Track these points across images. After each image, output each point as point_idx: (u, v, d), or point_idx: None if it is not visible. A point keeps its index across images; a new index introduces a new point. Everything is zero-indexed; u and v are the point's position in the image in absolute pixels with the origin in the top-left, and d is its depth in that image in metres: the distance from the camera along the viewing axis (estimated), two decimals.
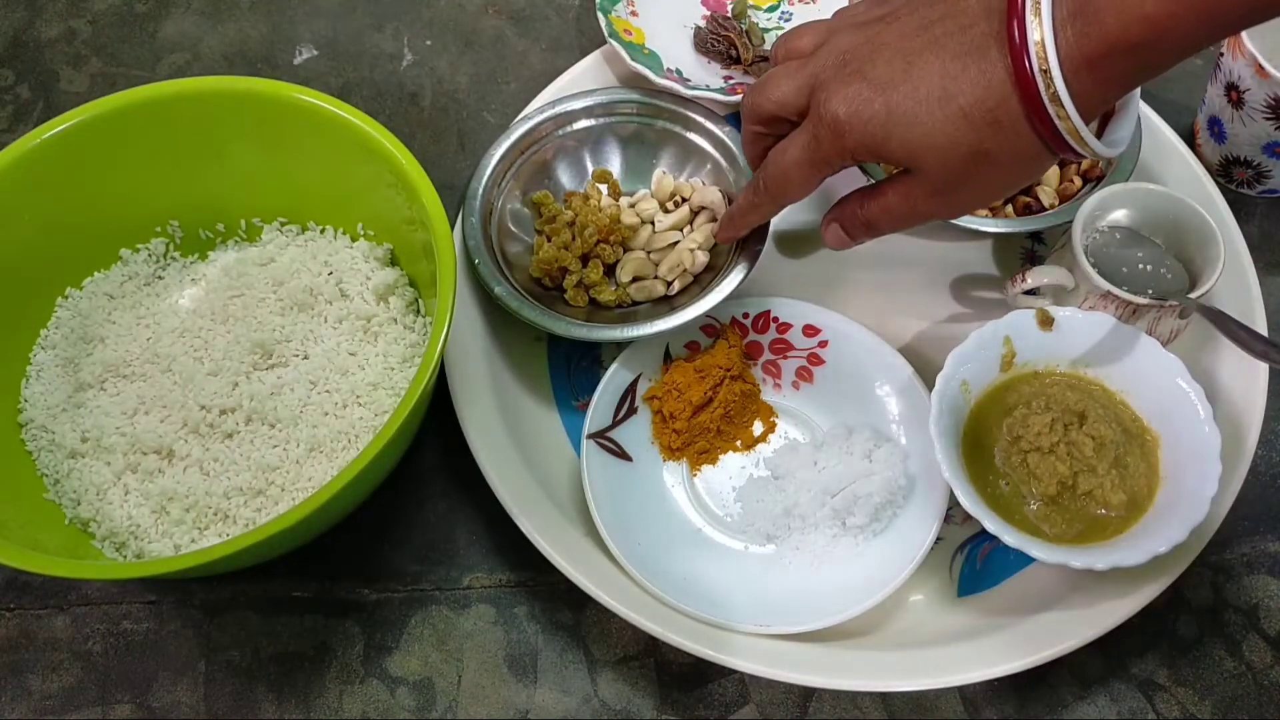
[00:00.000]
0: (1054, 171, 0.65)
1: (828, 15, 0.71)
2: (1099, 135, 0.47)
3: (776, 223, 0.63)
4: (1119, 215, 0.61)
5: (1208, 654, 0.57)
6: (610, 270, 0.64)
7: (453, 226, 0.62)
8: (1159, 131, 0.68)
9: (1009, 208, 0.65)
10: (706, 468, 0.60)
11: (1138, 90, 0.47)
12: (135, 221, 0.62)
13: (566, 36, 0.78)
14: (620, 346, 0.61)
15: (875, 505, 0.57)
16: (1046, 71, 0.41)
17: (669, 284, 0.63)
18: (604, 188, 0.67)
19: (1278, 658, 0.57)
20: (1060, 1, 0.41)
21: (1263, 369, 0.60)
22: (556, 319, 0.60)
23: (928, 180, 0.47)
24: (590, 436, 0.58)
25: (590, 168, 0.68)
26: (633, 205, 0.66)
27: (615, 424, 0.60)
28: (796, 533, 0.58)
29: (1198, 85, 0.71)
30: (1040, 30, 0.40)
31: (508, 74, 0.77)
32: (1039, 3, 0.41)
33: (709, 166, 0.66)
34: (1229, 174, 0.70)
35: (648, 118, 0.67)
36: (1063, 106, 0.41)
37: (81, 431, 0.57)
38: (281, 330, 0.60)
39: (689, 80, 0.68)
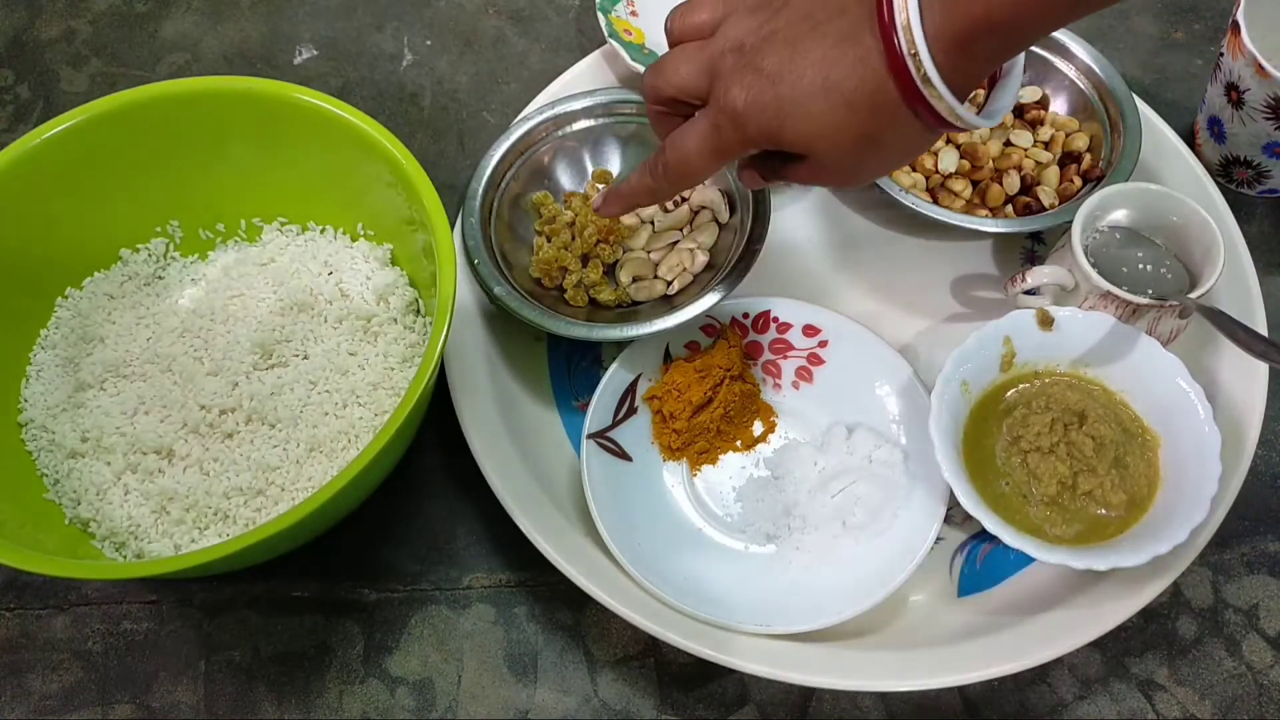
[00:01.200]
0: (1054, 171, 0.65)
1: None
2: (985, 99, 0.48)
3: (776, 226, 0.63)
4: (1119, 215, 0.61)
5: (1208, 654, 0.57)
6: (610, 270, 0.64)
7: (453, 226, 0.62)
8: (1159, 131, 0.68)
9: (1009, 208, 0.65)
10: (706, 468, 0.60)
11: (1021, 57, 0.47)
12: (135, 221, 0.62)
13: (566, 36, 0.78)
14: (620, 346, 0.61)
15: (875, 505, 0.57)
16: (915, 54, 0.41)
17: (669, 284, 0.63)
18: (604, 188, 0.67)
19: (1278, 658, 0.57)
20: None
21: (1263, 369, 0.60)
22: (556, 319, 0.60)
23: (824, 163, 0.47)
24: (590, 436, 0.58)
25: (590, 168, 0.68)
26: None
27: (615, 424, 0.60)
28: (796, 533, 0.58)
29: (1198, 85, 0.71)
30: (906, 12, 0.41)
31: (508, 74, 0.77)
32: None
33: None
34: (1229, 174, 0.70)
35: (647, 118, 0.67)
36: (934, 87, 0.42)
37: (81, 431, 0.57)
38: (281, 330, 0.60)
39: None
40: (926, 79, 0.42)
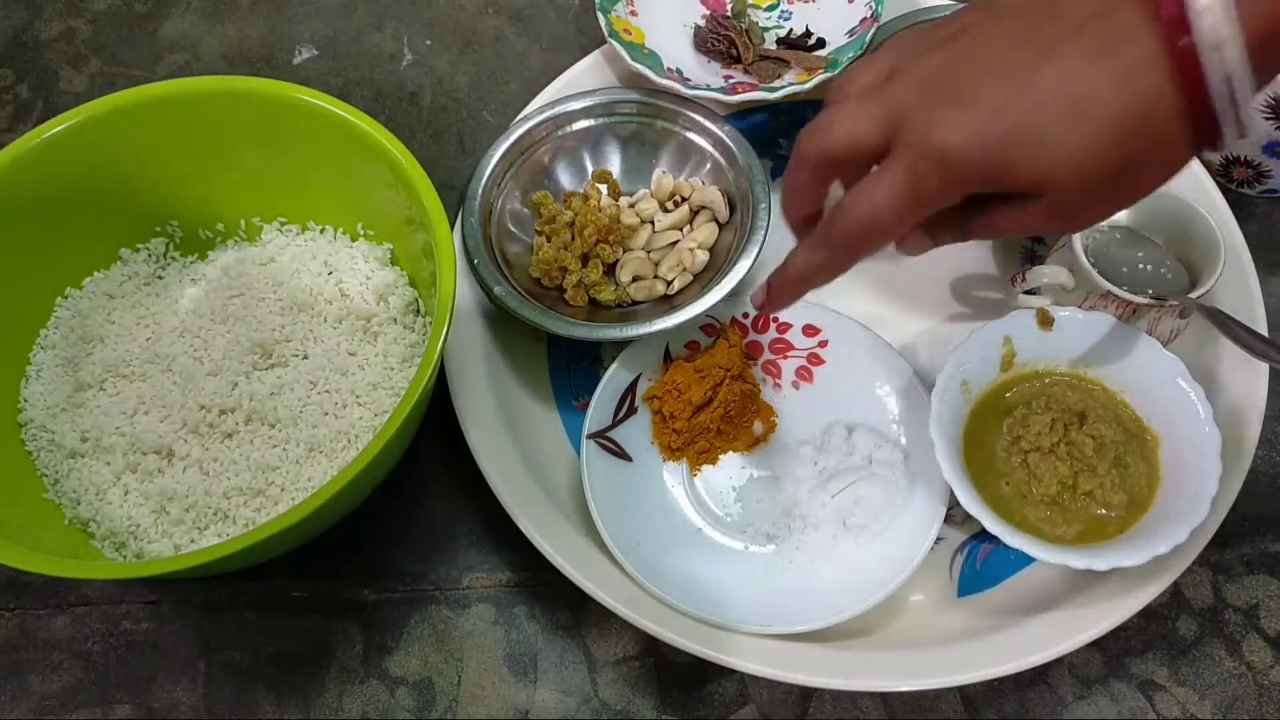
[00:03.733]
0: None
1: (828, 15, 0.72)
2: None
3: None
4: (1119, 215, 0.61)
5: (1208, 654, 0.57)
6: (610, 270, 0.64)
7: (453, 226, 0.62)
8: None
9: None
10: (706, 468, 0.60)
11: None
12: (135, 221, 0.62)
13: (566, 36, 0.78)
14: (620, 346, 0.61)
15: (875, 505, 0.57)
16: (1229, 75, 0.36)
17: (669, 283, 0.63)
18: (604, 188, 0.67)
19: (1278, 658, 0.57)
20: None
21: (1263, 369, 0.60)
22: (556, 319, 0.60)
23: (1063, 200, 0.41)
24: (590, 436, 0.58)
25: (590, 168, 0.68)
26: (632, 205, 0.66)
27: (615, 424, 0.60)
28: (796, 533, 0.58)
29: None
30: (1217, 24, 0.35)
31: (508, 74, 0.77)
32: None
33: (709, 166, 0.66)
34: (1229, 174, 0.70)
35: (647, 118, 0.67)
36: (1240, 108, 0.37)
37: (81, 431, 0.57)
38: (281, 330, 0.60)
39: (689, 80, 0.68)
40: (1233, 98, 0.36)
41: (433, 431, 0.61)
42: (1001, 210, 0.43)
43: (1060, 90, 0.38)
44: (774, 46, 0.72)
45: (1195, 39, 0.36)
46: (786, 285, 0.48)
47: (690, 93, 0.66)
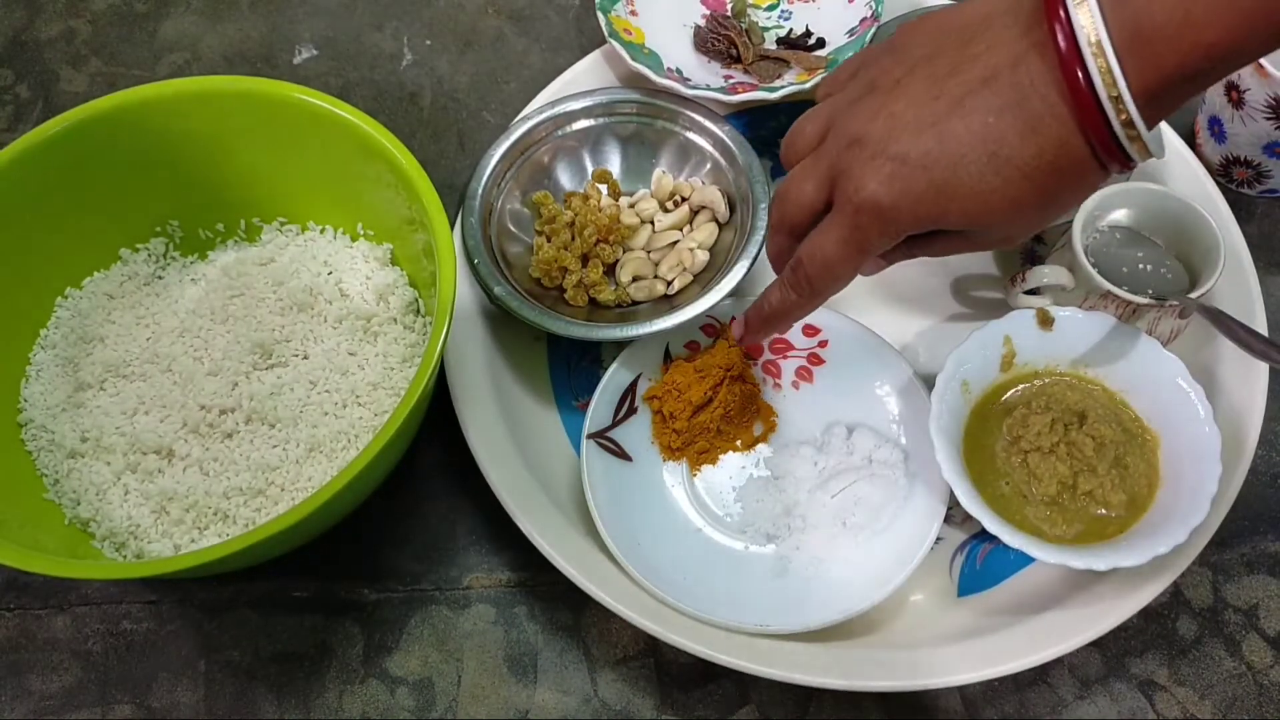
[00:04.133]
0: None
1: (828, 15, 0.72)
2: None
3: None
4: (1119, 215, 0.61)
5: (1208, 654, 0.57)
6: (610, 270, 0.64)
7: (453, 226, 0.62)
8: (1159, 131, 0.68)
9: None
10: (706, 468, 0.60)
11: None
12: (135, 221, 0.62)
13: (566, 36, 0.78)
14: (620, 346, 0.61)
15: (875, 505, 0.57)
16: (1126, 118, 0.40)
17: (669, 283, 0.63)
18: (604, 188, 0.67)
19: (1278, 658, 0.57)
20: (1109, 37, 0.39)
21: (1263, 369, 0.60)
22: (556, 319, 0.60)
23: (991, 234, 0.46)
24: (590, 436, 0.58)
25: (590, 168, 0.68)
26: (632, 205, 0.66)
27: (615, 424, 0.60)
28: (796, 533, 0.58)
29: None
30: (1113, 81, 0.39)
31: (508, 74, 0.77)
32: (1094, 36, 0.39)
33: (709, 166, 0.66)
34: (1229, 174, 0.70)
35: (647, 118, 0.67)
36: (1140, 141, 0.41)
37: (81, 431, 0.57)
38: (281, 330, 0.60)
39: (689, 80, 0.68)
40: (1133, 136, 0.40)
41: (433, 431, 0.61)
42: (940, 240, 0.48)
43: (979, 141, 0.42)
44: (774, 46, 0.72)
45: (1092, 91, 0.40)
46: (762, 322, 0.54)
47: (690, 93, 0.66)
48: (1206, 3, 0.38)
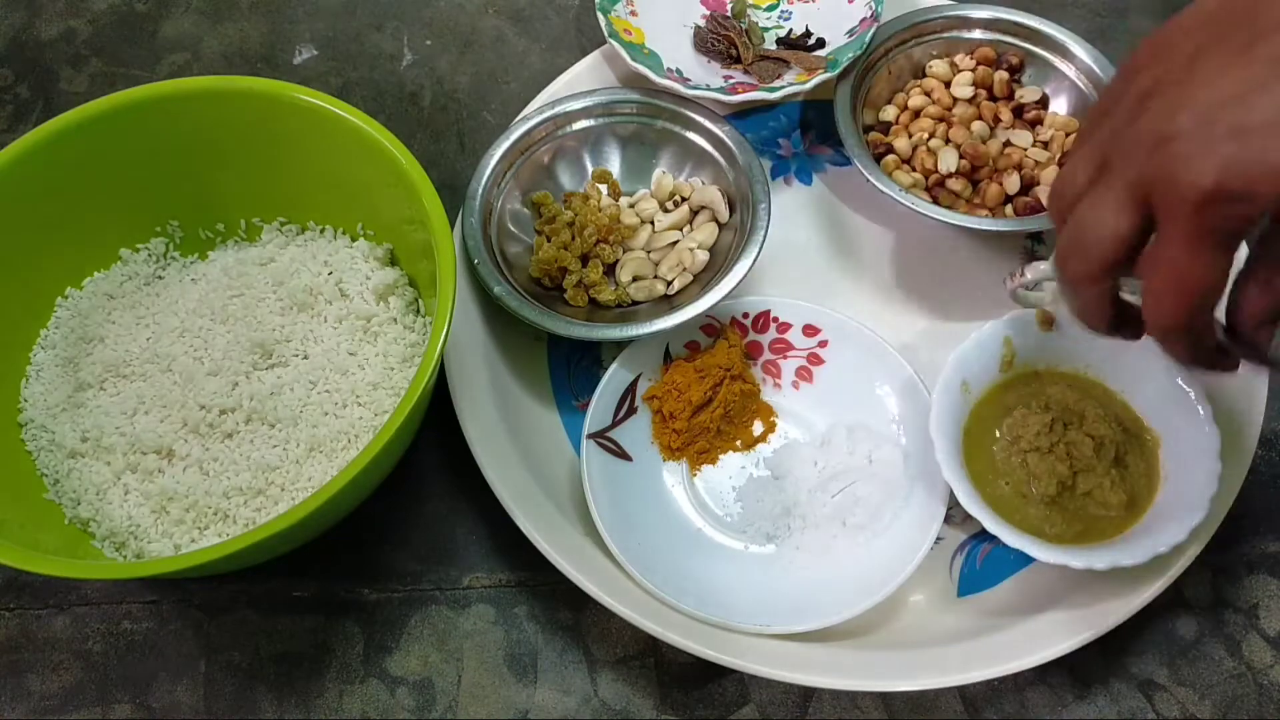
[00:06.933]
0: (1053, 171, 0.65)
1: (828, 15, 0.72)
2: None
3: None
4: None
5: (1208, 654, 0.57)
6: (610, 270, 0.64)
7: (453, 226, 0.62)
8: None
9: (1009, 207, 0.65)
10: (706, 467, 0.60)
11: None
12: (135, 221, 0.62)
13: (566, 36, 0.78)
14: (620, 346, 0.61)
15: (875, 505, 0.57)
16: None
17: (669, 283, 0.63)
18: (604, 188, 0.67)
19: (1278, 658, 0.57)
20: None
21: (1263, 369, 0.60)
22: (556, 319, 0.60)
23: None
24: (590, 436, 0.58)
25: (590, 168, 0.68)
26: (632, 205, 0.66)
27: (615, 424, 0.60)
28: (796, 533, 0.58)
29: None
30: None
31: (508, 74, 0.77)
32: None
33: (709, 166, 0.66)
34: None
35: (647, 118, 0.67)
36: None
37: (81, 431, 0.57)
38: (281, 330, 0.60)
39: (689, 80, 0.68)
40: None
41: (433, 431, 0.61)
42: None
43: None
44: (774, 46, 0.72)
45: None
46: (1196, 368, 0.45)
47: (690, 93, 0.66)
48: None
